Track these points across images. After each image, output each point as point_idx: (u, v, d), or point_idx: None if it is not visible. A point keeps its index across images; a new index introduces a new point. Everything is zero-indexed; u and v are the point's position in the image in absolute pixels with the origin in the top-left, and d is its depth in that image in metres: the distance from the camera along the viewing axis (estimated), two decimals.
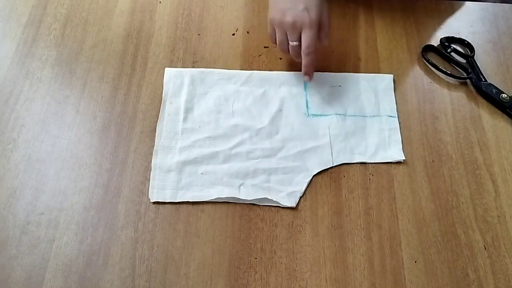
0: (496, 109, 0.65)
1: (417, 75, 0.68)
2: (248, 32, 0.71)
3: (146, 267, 0.52)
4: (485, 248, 0.55)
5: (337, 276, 0.53)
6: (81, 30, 0.70)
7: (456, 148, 0.62)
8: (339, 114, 0.63)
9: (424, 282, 0.53)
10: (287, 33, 0.60)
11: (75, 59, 0.67)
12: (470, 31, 0.72)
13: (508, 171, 0.60)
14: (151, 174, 0.58)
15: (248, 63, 0.68)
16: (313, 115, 0.64)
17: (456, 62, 0.69)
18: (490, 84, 0.66)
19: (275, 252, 0.54)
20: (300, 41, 0.59)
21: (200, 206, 0.56)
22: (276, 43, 0.63)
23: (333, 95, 0.65)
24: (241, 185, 0.58)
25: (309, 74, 0.62)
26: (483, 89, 0.66)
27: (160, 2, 0.73)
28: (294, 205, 0.57)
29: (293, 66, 0.68)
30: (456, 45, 0.71)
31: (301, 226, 0.56)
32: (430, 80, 0.67)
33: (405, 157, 0.60)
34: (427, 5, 0.74)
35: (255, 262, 0.53)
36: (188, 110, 0.63)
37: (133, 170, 0.58)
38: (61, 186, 0.57)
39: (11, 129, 0.61)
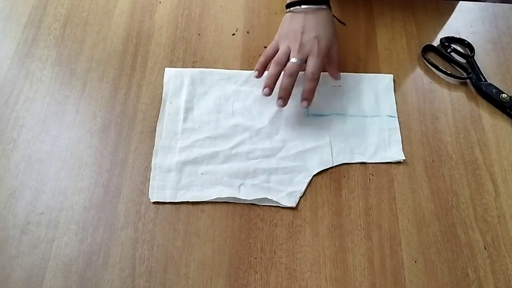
0: (496, 109, 0.65)
1: (417, 75, 0.68)
2: (248, 32, 0.71)
3: (146, 267, 0.52)
4: (485, 248, 0.55)
5: (337, 276, 0.53)
6: (81, 30, 0.70)
7: (456, 148, 0.62)
8: (339, 114, 0.63)
9: (424, 282, 0.53)
10: (291, 52, 0.61)
11: (75, 59, 0.67)
12: (470, 31, 0.72)
13: (508, 171, 0.60)
14: (151, 174, 0.58)
15: (248, 63, 0.68)
16: (313, 115, 0.64)
17: (456, 62, 0.69)
18: (490, 84, 0.66)
19: (275, 252, 0.54)
20: (300, 61, 0.60)
21: (200, 206, 0.56)
22: (268, 55, 0.63)
23: (333, 95, 0.65)
24: (241, 185, 0.58)
25: (308, 100, 0.61)
26: (483, 89, 0.66)
27: (160, 2, 0.73)
28: (294, 205, 0.57)
29: None
30: (456, 45, 0.71)
31: (301, 226, 0.56)
32: (430, 80, 0.67)
33: (405, 157, 0.60)
34: (427, 5, 0.74)
35: (255, 262, 0.53)
36: (188, 110, 0.63)
37: (133, 170, 0.58)
38: (61, 186, 0.57)
39: (11, 129, 0.61)
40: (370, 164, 0.60)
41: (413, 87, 0.67)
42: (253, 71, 0.63)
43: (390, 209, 0.57)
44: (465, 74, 0.67)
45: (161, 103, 0.63)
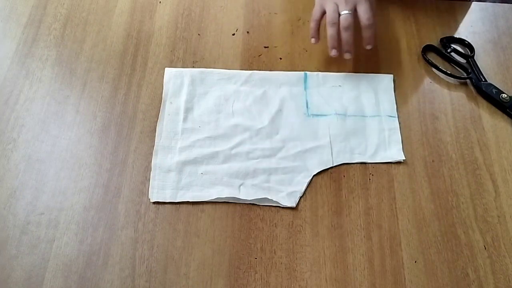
0: (496, 109, 0.65)
1: (417, 75, 0.68)
2: (248, 32, 0.71)
3: (146, 267, 0.52)
4: (485, 248, 0.55)
5: (337, 276, 0.53)
6: (81, 30, 0.70)
7: (456, 148, 0.62)
8: (339, 114, 0.63)
9: (424, 282, 0.53)
10: (339, 6, 0.62)
11: (75, 59, 0.67)
12: (470, 31, 0.72)
13: (508, 171, 0.60)
14: (151, 174, 0.58)
15: (248, 63, 0.68)
16: (313, 115, 0.64)
17: (456, 62, 0.69)
18: (490, 84, 0.66)
19: (275, 252, 0.54)
20: (351, 11, 0.61)
21: (200, 206, 0.56)
22: (317, 18, 0.64)
23: (333, 95, 0.65)
24: (241, 185, 0.58)
25: (371, 44, 0.63)
26: (483, 89, 0.66)
27: (160, 2, 0.73)
28: (294, 205, 0.57)
29: (293, 66, 0.68)
30: (456, 45, 0.71)
31: (301, 226, 0.56)
32: (430, 80, 0.67)
33: (405, 157, 0.60)
34: (427, 5, 0.74)
35: (255, 262, 0.53)
36: (188, 110, 0.63)
37: (133, 170, 0.58)
38: (61, 186, 0.57)
39: (11, 129, 0.61)
40: (370, 164, 0.60)
41: (413, 87, 0.67)
42: (311, 39, 0.65)
43: (390, 209, 0.57)
44: (465, 74, 0.67)
45: (161, 103, 0.63)
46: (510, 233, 0.56)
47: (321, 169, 0.59)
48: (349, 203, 0.57)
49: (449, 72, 0.67)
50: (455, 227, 0.56)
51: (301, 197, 0.57)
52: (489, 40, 0.71)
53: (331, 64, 0.68)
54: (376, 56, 0.69)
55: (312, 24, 0.65)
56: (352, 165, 0.60)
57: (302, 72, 0.67)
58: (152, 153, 0.59)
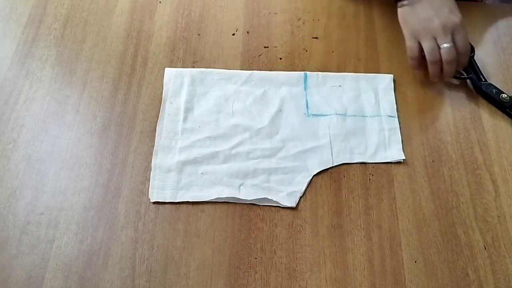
0: (496, 109, 0.65)
1: (417, 75, 0.68)
2: (248, 32, 0.71)
3: (146, 267, 0.52)
4: (485, 248, 0.55)
5: (337, 276, 0.53)
6: (81, 30, 0.70)
7: (456, 148, 0.62)
8: (339, 114, 0.63)
9: (424, 282, 0.53)
10: (437, 39, 0.60)
11: (75, 59, 0.67)
12: (470, 31, 0.72)
13: (508, 171, 0.60)
14: (151, 174, 0.58)
15: (248, 63, 0.68)
16: (313, 115, 0.64)
17: None
18: (490, 84, 0.66)
19: (275, 252, 0.54)
20: (451, 42, 0.60)
21: (200, 206, 0.56)
22: (416, 55, 0.63)
23: (333, 95, 0.65)
24: (241, 185, 0.58)
25: (463, 67, 0.63)
26: (483, 89, 0.66)
27: (160, 2, 0.73)
28: (294, 205, 0.57)
29: (293, 66, 0.68)
30: None
31: (301, 226, 0.56)
32: (430, 80, 0.67)
33: (405, 157, 0.60)
34: None
35: (255, 262, 0.53)
36: (188, 110, 0.63)
37: (133, 170, 0.58)
38: (61, 186, 0.57)
39: (11, 129, 0.61)
40: (370, 164, 0.60)
41: (413, 87, 0.67)
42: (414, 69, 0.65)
43: (390, 209, 0.57)
44: (465, 74, 0.67)
45: (161, 103, 0.63)
46: (510, 233, 0.56)
47: (321, 169, 0.59)
48: (349, 203, 0.57)
49: None
50: (455, 227, 0.56)
51: (301, 197, 0.57)
52: (489, 40, 0.71)
53: (331, 64, 0.68)
54: (376, 56, 0.69)
55: (412, 62, 0.63)
56: (352, 165, 0.60)
57: (302, 72, 0.67)
58: (152, 153, 0.59)
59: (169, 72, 0.66)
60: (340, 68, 0.68)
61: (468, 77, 0.67)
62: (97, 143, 0.60)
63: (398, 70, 0.68)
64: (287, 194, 0.57)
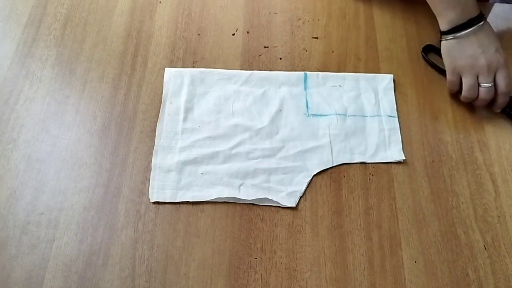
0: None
1: (417, 75, 0.68)
2: (248, 32, 0.71)
3: (146, 267, 0.52)
4: (485, 248, 0.55)
5: (337, 276, 0.53)
6: (81, 30, 0.70)
7: (456, 148, 0.62)
8: (339, 114, 0.63)
9: (424, 282, 0.53)
10: (479, 77, 0.61)
11: (75, 59, 0.67)
12: None
13: (508, 171, 0.60)
14: (151, 174, 0.58)
15: (248, 63, 0.68)
16: (313, 115, 0.64)
17: None
18: None
19: (275, 252, 0.54)
20: (492, 81, 0.60)
21: (200, 206, 0.56)
22: (457, 90, 0.63)
23: (333, 95, 0.65)
24: (241, 185, 0.58)
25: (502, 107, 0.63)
26: None
27: (160, 2, 0.73)
28: (294, 205, 0.57)
29: (293, 66, 0.68)
30: None
31: (301, 226, 0.56)
32: (430, 80, 0.67)
33: (405, 157, 0.60)
34: (427, 5, 0.74)
35: (255, 262, 0.53)
36: (188, 110, 0.63)
37: (133, 170, 0.58)
38: (61, 186, 0.57)
39: (11, 129, 0.61)
40: (370, 164, 0.60)
41: (413, 87, 0.67)
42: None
43: (390, 209, 0.57)
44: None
45: (161, 103, 0.63)
46: (510, 233, 0.56)
47: (321, 169, 0.59)
48: (349, 203, 0.57)
49: None
50: (455, 227, 0.56)
51: (301, 197, 0.57)
52: None
53: (331, 64, 0.68)
54: (376, 56, 0.69)
55: (451, 92, 0.64)
56: (352, 165, 0.60)
57: (302, 72, 0.67)
58: (152, 153, 0.59)
59: (169, 72, 0.66)
60: (340, 68, 0.68)
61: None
62: (97, 143, 0.60)
63: (398, 70, 0.68)
64: (287, 194, 0.57)
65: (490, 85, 0.60)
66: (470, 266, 0.54)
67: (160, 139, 0.60)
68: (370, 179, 0.59)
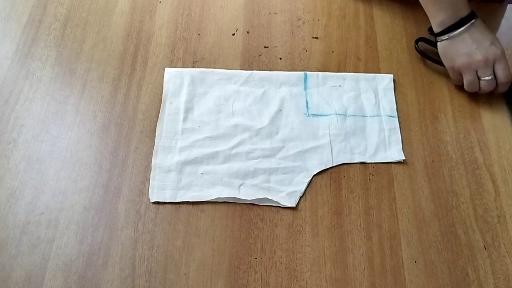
0: (497, 109, 0.65)
1: (417, 75, 0.68)
2: (248, 32, 0.71)
3: (146, 267, 0.52)
4: (485, 248, 0.55)
5: (337, 276, 0.53)
6: (81, 30, 0.70)
7: (456, 148, 0.62)
8: (339, 114, 0.63)
9: (424, 282, 0.53)
10: (478, 71, 0.61)
11: (75, 59, 0.67)
12: None
13: (508, 171, 0.60)
14: (151, 174, 0.58)
15: (248, 63, 0.68)
16: (313, 115, 0.64)
17: None
18: None
19: (275, 252, 0.54)
20: (492, 73, 0.61)
21: (200, 206, 0.56)
22: (461, 83, 0.64)
23: (333, 95, 0.65)
24: (241, 185, 0.58)
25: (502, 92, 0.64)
26: None
27: (160, 2, 0.73)
28: (294, 205, 0.57)
29: (293, 66, 0.68)
30: None
31: (301, 226, 0.56)
32: (430, 80, 0.67)
33: (405, 157, 0.60)
34: None
35: (255, 262, 0.53)
36: (188, 110, 0.63)
37: (133, 170, 0.58)
38: (61, 186, 0.57)
39: (11, 129, 0.61)
40: (370, 164, 0.60)
41: (413, 87, 0.67)
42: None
43: (390, 209, 0.57)
44: None
45: (161, 103, 0.63)
46: (510, 233, 0.56)
47: (321, 169, 0.59)
48: (349, 203, 0.57)
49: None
50: (455, 227, 0.56)
51: (301, 197, 0.57)
52: None
53: (331, 64, 0.68)
54: (376, 56, 0.69)
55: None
56: (352, 165, 0.60)
57: (302, 72, 0.67)
58: (152, 153, 0.59)
59: (169, 72, 0.66)
60: (340, 68, 0.68)
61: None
62: (97, 143, 0.60)
63: (398, 70, 0.68)
64: (287, 194, 0.57)
65: (490, 77, 0.61)
66: (470, 266, 0.54)
67: (160, 139, 0.60)
68: (370, 179, 0.59)
